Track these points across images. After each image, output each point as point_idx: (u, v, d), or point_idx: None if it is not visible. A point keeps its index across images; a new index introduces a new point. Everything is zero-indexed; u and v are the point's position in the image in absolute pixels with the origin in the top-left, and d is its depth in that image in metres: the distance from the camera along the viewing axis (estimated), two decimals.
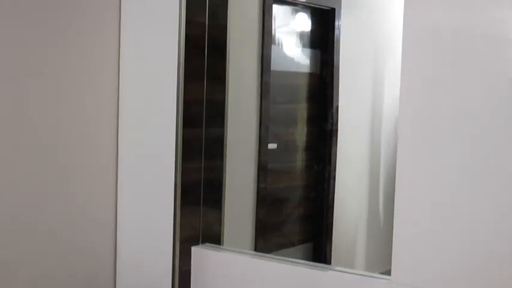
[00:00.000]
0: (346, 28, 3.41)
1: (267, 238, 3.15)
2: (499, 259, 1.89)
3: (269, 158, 3.13)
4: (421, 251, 2.01)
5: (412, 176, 2.02)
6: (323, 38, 3.40)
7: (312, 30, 3.40)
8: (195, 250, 2.50)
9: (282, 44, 3.24)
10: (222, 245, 2.64)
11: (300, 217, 3.45)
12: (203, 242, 2.56)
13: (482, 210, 1.92)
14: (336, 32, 3.37)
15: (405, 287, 2.04)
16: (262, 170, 3.10)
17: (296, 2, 3.33)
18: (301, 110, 3.43)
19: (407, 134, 2.05)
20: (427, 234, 2.01)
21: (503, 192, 1.89)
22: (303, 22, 3.39)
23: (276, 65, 3.13)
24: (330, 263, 3.32)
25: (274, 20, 3.13)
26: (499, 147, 1.90)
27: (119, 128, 2.64)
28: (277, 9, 3.15)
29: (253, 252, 2.85)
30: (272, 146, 3.15)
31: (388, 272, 2.07)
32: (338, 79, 3.39)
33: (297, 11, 3.34)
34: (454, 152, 1.96)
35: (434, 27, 1.98)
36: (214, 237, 2.64)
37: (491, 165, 1.92)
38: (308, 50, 3.41)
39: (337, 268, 2.35)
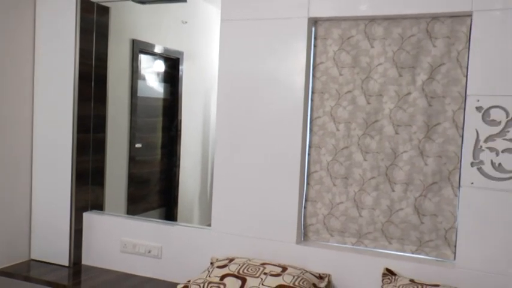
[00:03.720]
0: (186, 70, 3.65)
1: (135, 205, 3.28)
2: (272, 212, 2.27)
3: (136, 153, 3.29)
4: (228, 211, 2.36)
5: (223, 165, 2.36)
6: (171, 76, 3.62)
7: (165, 71, 3.59)
8: (85, 215, 2.77)
9: (145, 79, 3.40)
10: (104, 210, 2.88)
11: (157, 191, 3.56)
12: (91, 209, 2.82)
13: (267, 187, 2.28)
14: (180, 72, 3.62)
15: (219, 233, 2.38)
16: (131, 161, 3.24)
17: (154, 53, 3.47)
18: (158, 122, 3.56)
19: (221, 139, 2.35)
20: (231, 201, 2.36)
21: (279, 178, 2.26)
22: (159, 65, 3.55)
23: (141, 93, 3.32)
24: (177, 220, 3.62)
25: (140, 64, 3.29)
26: (277, 150, 2.24)
27: (33, 133, 2.82)
28: (142, 57, 3.33)
29: (126, 215, 2.96)
30: (138, 145, 3.30)
31: (210, 224, 2.43)
32: (181, 102, 3.63)
33: (155, 58, 3.52)
34: (249, 153, 2.30)
35: (236, 72, 2.29)
36: (98, 206, 2.87)
37: (271, 160, 2.27)
38: (162, 83, 3.58)
39: (181, 223, 2.62)
